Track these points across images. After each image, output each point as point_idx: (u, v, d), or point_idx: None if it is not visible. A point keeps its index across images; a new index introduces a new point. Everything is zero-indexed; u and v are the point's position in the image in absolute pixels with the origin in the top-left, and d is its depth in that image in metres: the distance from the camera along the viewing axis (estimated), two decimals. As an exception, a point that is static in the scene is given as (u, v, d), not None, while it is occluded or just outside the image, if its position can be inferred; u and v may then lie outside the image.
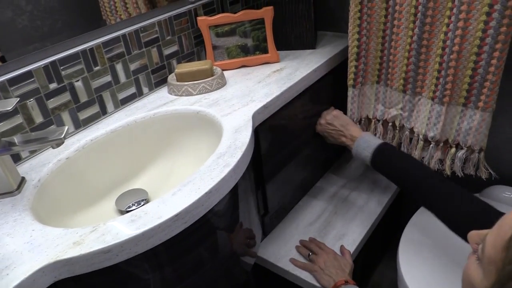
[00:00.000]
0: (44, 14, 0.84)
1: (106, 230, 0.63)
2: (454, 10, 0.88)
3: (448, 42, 0.91)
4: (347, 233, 1.14)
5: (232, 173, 0.73)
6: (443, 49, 0.92)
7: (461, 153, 1.01)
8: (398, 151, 1.01)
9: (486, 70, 0.90)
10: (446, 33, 0.91)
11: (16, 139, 0.73)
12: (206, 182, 0.70)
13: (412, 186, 0.93)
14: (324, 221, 1.19)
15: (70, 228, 0.65)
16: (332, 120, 1.12)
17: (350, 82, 1.12)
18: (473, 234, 0.57)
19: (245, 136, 0.81)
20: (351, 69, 1.10)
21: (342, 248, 1.08)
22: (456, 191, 0.86)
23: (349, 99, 1.14)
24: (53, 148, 0.74)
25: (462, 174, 1.04)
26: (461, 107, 0.98)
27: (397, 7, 0.97)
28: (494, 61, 0.89)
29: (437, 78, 0.96)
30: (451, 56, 0.91)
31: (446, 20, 0.90)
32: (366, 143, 1.02)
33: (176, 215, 0.65)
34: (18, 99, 0.70)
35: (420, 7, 0.92)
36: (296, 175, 1.19)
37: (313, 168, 1.29)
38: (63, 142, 0.72)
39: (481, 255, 0.51)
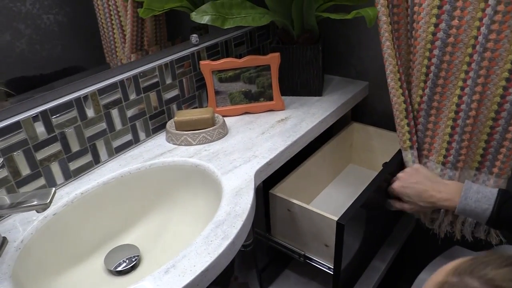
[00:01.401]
0: (43, 38, 0.79)
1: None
2: (471, 74, 0.83)
3: (462, 106, 0.86)
4: (349, 292, 1.08)
5: (231, 246, 0.68)
6: (457, 112, 0.88)
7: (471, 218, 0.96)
8: None
9: (503, 137, 0.86)
10: (460, 96, 0.86)
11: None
12: (202, 258, 0.64)
13: None
14: (323, 279, 1.12)
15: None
16: (413, 172, 0.93)
17: (408, 144, 0.97)
18: None
19: (246, 201, 0.76)
20: (404, 128, 0.95)
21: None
22: None
23: (410, 164, 0.98)
24: (38, 212, 0.68)
25: (472, 239, 0.98)
26: (474, 171, 0.93)
27: (410, 63, 0.92)
28: None
29: (449, 143, 0.91)
30: (467, 121, 0.86)
31: (461, 83, 0.85)
32: (478, 194, 0.81)
33: (169, 299, 0.59)
34: (2, 159, 0.65)
35: (432, 68, 0.88)
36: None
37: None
38: (48, 207, 0.66)
39: None
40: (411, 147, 0.97)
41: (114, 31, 0.94)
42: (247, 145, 0.93)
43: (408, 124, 0.95)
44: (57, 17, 0.81)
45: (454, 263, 0.44)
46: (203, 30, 1.09)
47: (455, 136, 0.89)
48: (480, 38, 0.79)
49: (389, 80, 0.92)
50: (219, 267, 0.66)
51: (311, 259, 0.98)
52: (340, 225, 0.80)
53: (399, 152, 1.01)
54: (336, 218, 0.83)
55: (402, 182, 0.93)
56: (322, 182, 1.20)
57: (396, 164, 0.98)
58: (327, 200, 1.17)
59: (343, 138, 1.23)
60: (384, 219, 1.10)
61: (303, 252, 0.99)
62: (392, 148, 1.15)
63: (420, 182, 0.90)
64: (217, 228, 0.70)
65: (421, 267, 1.13)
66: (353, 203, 0.86)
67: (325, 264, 0.96)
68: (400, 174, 0.96)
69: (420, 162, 0.98)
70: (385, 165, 0.99)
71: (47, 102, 0.80)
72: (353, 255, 0.93)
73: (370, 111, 1.27)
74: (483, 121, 0.86)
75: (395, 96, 0.93)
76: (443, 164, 0.93)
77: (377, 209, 1.00)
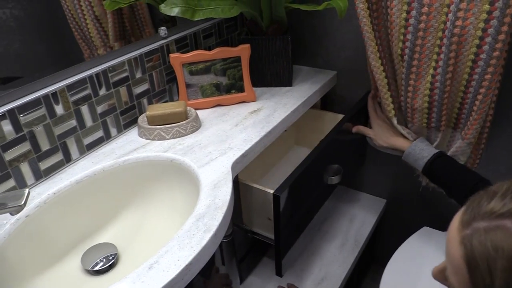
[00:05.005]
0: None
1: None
2: (442, 56, 0.89)
3: (437, 84, 0.93)
4: (327, 276, 1.10)
5: (213, 238, 0.68)
6: (431, 90, 0.95)
7: None
8: (453, 160, 0.98)
9: (471, 107, 0.94)
10: (434, 76, 0.92)
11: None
12: (185, 252, 0.64)
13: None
14: (301, 264, 1.15)
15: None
16: (380, 131, 1.09)
17: (392, 112, 1.07)
18: (435, 272, 0.54)
19: (226, 193, 0.76)
20: (388, 99, 1.06)
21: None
22: None
23: (399, 128, 1.09)
24: (12, 215, 0.66)
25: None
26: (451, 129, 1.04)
27: (390, 43, 0.97)
28: (477, 102, 0.92)
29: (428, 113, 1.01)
30: (444, 96, 0.94)
31: (434, 64, 0.91)
32: (425, 146, 1.00)
33: (155, 295, 0.59)
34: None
35: (406, 50, 0.92)
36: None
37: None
38: (22, 209, 0.64)
39: None
40: (395, 115, 1.07)
41: (87, 21, 0.90)
42: (221, 137, 0.93)
43: (391, 95, 1.04)
44: (13, 12, 0.77)
45: (456, 221, 0.47)
46: (170, 23, 1.08)
47: (433, 109, 0.98)
48: (448, 24, 0.84)
49: (370, 59, 1.00)
50: (203, 260, 0.66)
51: (257, 234, 1.02)
52: (276, 197, 0.85)
53: (333, 130, 1.07)
54: (272, 191, 0.87)
55: (378, 140, 1.10)
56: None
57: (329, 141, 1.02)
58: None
59: (313, 126, 1.25)
60: (317, 190, 1.12)
61: (249, 228, 1.03)
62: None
63: (388, 136, 1.08)
64: (198, 221, 0.70)
65: (392, 249, 1.18)
66: (288, 176, 0.90)
67: (268, 236, 1.00)
68: (372, 135, 1.11)
69: (406, 125, 1.08)
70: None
71: (14, 100, 0.76)
72: (291, 224, 0.97)
73: (339, 100, 1.29)
74: (455, 92, 0.94)
75: (377, 73, 1.01)
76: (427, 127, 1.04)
77: (311, 181, 1.03)
